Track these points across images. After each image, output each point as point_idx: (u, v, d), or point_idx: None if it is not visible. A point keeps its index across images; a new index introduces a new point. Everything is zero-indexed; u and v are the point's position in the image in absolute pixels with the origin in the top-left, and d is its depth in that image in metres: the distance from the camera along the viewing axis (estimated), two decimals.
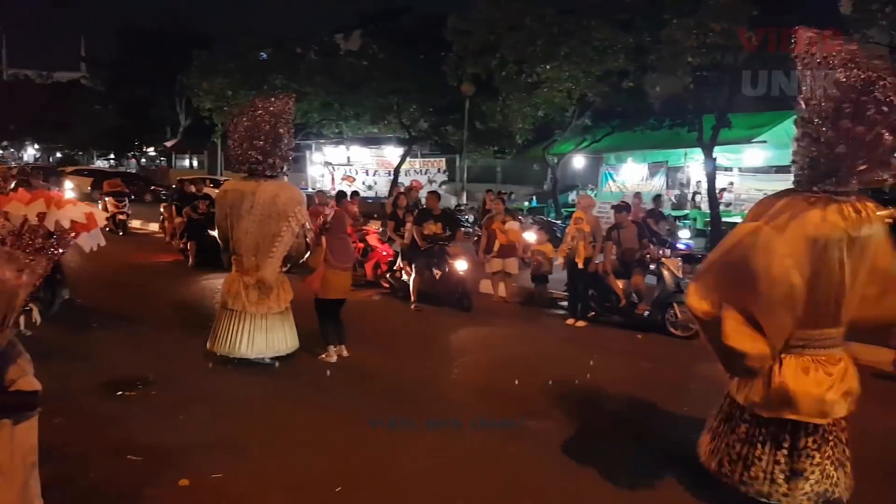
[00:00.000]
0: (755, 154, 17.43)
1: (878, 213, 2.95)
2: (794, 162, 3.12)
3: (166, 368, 6.19)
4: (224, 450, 4.52)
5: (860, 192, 3.06)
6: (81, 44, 79.22)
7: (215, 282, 10.00)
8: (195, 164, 41.79)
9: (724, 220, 15.32)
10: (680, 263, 8.09)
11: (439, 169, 24.30)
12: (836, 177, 2.93)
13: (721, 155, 16.56)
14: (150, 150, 41.86)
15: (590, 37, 13.12)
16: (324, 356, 6.38)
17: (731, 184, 18.53)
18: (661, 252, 8.15)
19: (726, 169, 18.88)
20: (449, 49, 15.59)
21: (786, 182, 15.18)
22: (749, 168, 19.09)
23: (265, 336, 6.19)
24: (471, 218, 16.12)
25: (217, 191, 7.40)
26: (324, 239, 6.34)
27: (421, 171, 24.29)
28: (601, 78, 13.76)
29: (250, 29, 25.25)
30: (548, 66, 13.59)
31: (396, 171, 22.76)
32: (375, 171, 25.86)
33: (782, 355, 3.21)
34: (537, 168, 24.77)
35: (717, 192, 15.30)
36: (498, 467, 4.36)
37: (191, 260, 11.72)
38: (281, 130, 6.22)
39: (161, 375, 5.98)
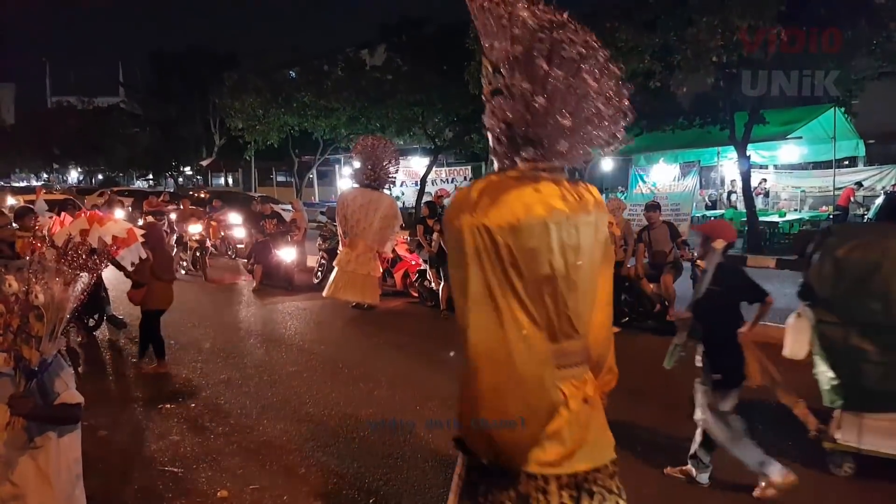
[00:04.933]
0: (791, 150, 17.05)
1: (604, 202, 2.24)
2: (487, 131, 2.23)
3: (206, 383, 6.35)
4: (262, 462, 4.60)
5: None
6: (119, 69, 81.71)
7: (268, 306, 10.18)
8: (230, 181, 42.71)
9: (761, 218, 15.01)
10: None
11: (465, 177, 24.33)
12: (538, 144, 2.12)
13: (755, 152, 16.24)
14: (187, 170, 42.88)
15: (613, 38, 12.97)
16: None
17: (764, 181, 18.15)
18: (695, 253, 8.00)
19: (761, 166, 18.52)
20: (471, 58, 15.63)
21: (825, 178, 14.80)
22: (785, 165, 18.69)
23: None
24: None
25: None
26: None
27: (447, 179, 24.36)
28: (626, 79, 13.60)
29: (276, 48, 25.73)
30: None
31: (423, 180, 22.88)
32: (403, 181, 26.08)
33: None
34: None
35: (752, 190, 14.99)
36: None
37: (255, 283, 11.43)
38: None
39: (200, 389, 6.16)
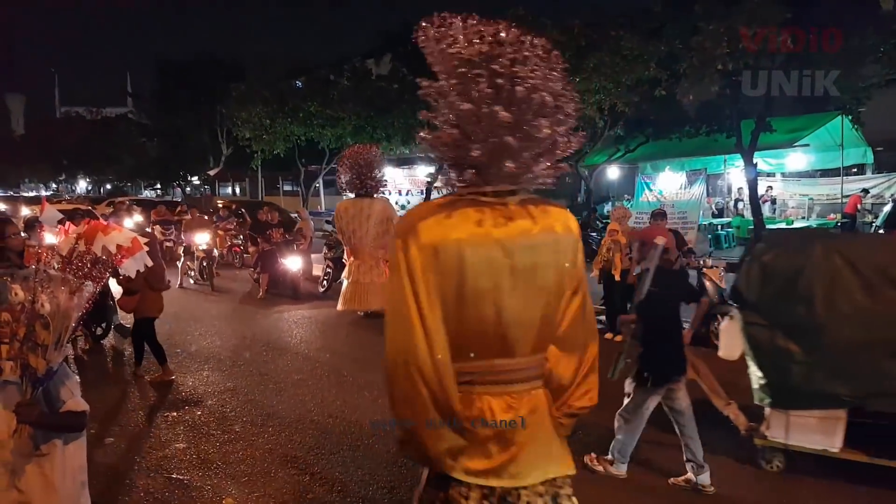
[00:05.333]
0: (798, 158, 17.02)
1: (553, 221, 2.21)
2: (435, 158, 2.37)
3: (212, 391, 6.36)
4: (267, 470, 4.60)
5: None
6: (128, 80, 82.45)
7: (274, 315, 10.21)
8: (237, 190, 42.91)
9: (768, 226, 14.95)
10: (722, 273, 7.89)
11: None
12: (479, 169, 2.14)
13: (762, 160, 16.21)
14: (195, 179, 43.09)
15: (618, 47, 13.02)
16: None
17: (770, 188, 18.09)
18: (701, 261, 7.97)
19: (769, 174, 18.47)
20: None
21: (833, 186, 14.75)
22: (793, 172, 18.63)
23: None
24: None
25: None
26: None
27: None
28: (632, 87, 13.64)
29: (283, 58, 25.80)
30: (576, 79, 13.52)
31: (428, 188, 22.95)
32: (408, 190, 26.18)
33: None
34: (570, 181, 24.58)
35: (759, 198, 14.95)
36: None
37: (261, 292, 11.50)
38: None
39: (206, 397, 6.17)
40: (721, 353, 4.70)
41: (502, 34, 2.12)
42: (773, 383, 4.33)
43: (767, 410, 4.45)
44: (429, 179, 23.09)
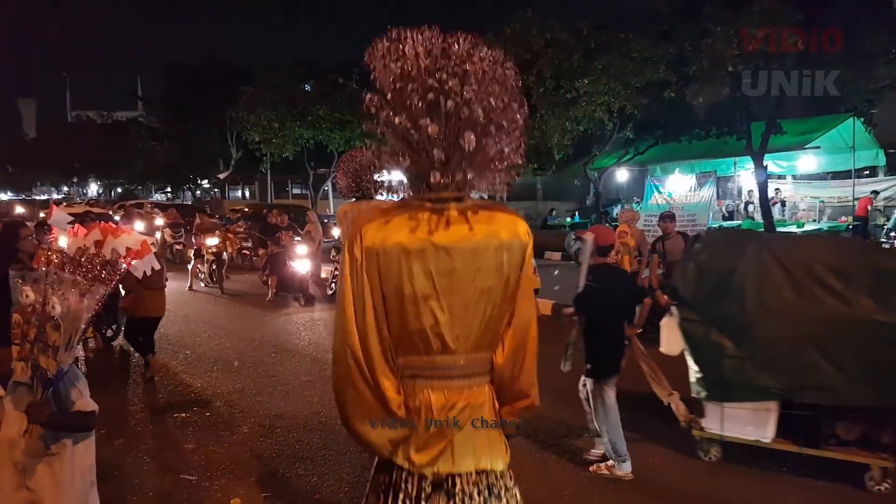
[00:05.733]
0: (809, 160, 16.90)
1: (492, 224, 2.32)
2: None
3: (220, 392, 6.39)
4: (274, 470, 4.61)
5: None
6: (138, 84, 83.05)
7: (283, 317, 10.25)
8: (247, 194, 43.13)
9: (778, 229, 14.84)
10: None
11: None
12: (421, 177, 2.31)
13: (772, 162, 16.10)
14: (205, 182, 43.36)
15: (627, 49, 12.99)
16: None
17: (778, 190, 17.94)
18: None
19: (779, 177, 18.34)
20: None
21: (844, 188, 14.64)
22: (804, 175, 18.50)
23: None
24: None
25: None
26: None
27: None
28: (641, 90, 13.60)
29: (291, 61, 25.90)
30: (585, 81, 13.51)
31: None
32: None
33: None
34: (578, 183, 24.55)
35: (769, 200, 14.86)
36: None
37: (270, 294, 11.60)
38: None
39: (215, 398, 6.20)
40: (662, 349, 4.82)
41: (453, 48, 2.21)
42: (708, 377, 4.50)
43: (703, 403, 4.61)
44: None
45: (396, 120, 2.24)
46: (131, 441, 5.17)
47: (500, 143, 2.26)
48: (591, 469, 4.52)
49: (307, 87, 24.41)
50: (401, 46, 2.23)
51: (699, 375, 4.56)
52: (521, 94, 2.29)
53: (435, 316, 2.31)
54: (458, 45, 2.22)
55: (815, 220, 17.11)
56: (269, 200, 32.91)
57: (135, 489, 4.33)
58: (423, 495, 2.35)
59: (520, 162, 2.34)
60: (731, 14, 11.10)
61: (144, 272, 3.82)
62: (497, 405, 2.47)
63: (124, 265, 3.28)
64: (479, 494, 2.40)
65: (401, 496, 2.35)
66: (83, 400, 2.74)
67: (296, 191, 37.47)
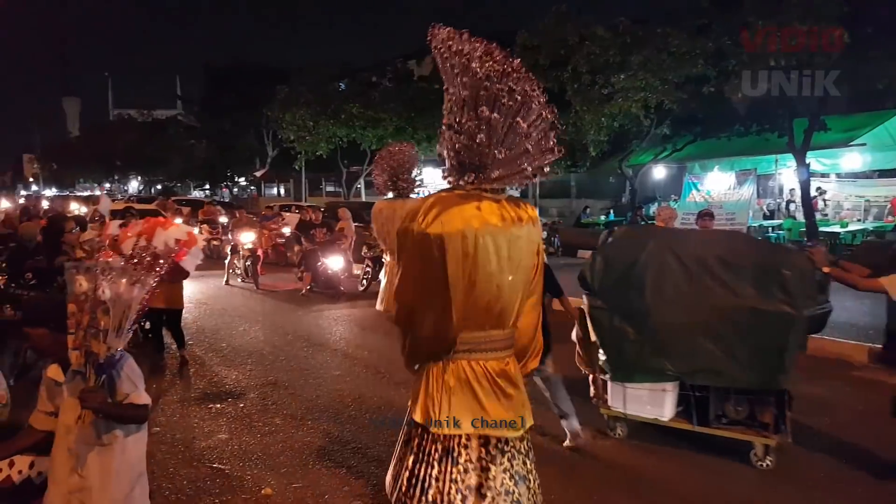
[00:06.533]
0: (854, 158, 16.32)
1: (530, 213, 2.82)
2: (439, 156, 2.87)
3: (254, 384, 6.47)
4: (305, 461, 4.64)
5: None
6: (177, 84, 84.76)
7: (315, 312, 10.35)
8: (282, 191, 43.68)
9: (821, 229, 14.42)
10: None
11: (511, 185, 24.24)
12: (480, 170, 2.70)
13: (815, 160, 15.64)
14: (241, 180, 44.03)
15: (665, 44, 12.75)
16: None
17: (819, 189, 17.37)
18: None
19: (822, 175, 17.80)
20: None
21: (891, 187, 14.16)
22: (848, 173, 17.92)
23: None
24: (544, 234, 15.93)
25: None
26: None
27: None
28: (679, 85, 13.34)
29: (326, 61, 26.19)
30: (622, 76, 13.31)
31: None
32: None
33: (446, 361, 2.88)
34: (613, 181, 24.18)
35: (812, 199, 14.45)
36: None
37: (304, 290, 11.75)
38: None
39: (249, 390, 6.28)
40: (573, 337, 5.24)
41: (508, 66, 2.64)
42: (612, 360, 4.87)
43: (609, 384, 4.99)
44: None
45: (470, 123, 2.63)
46: (167, 431, 5.26)
47: (535, 151, 2.69)
48: (564, 444, 4.86)
49: (341, 86, 24.59)
50: (464, 60, 2.64)
51: (605, 358, 4.92)
52: (545, 106, 2.70)
53: (499, 292, 2.69)
54: (512, 65, 2.64)
55: (859, 220, 16.56)
56: (304, 198, 33.27)
57: (169, 477, 4.40)
58: (488, 451, 2.84)
59: (545, 168, 2.74)
60: (773, 7, 10.80)
61: (195, 264, 3.93)
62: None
63: (174, 258, 3.34)
64: (525, 449, 2.95)
65: (464, 455, 2.83)
66: (137, 393, 2.80)
67: (329, 188, 37.80)
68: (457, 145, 2.69)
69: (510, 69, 2.63)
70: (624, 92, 13.56)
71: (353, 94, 22.96)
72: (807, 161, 13.62)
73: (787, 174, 17.87)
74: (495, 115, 2.59)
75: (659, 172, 20.77)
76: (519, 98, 2.61)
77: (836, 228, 15.00)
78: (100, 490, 2.72)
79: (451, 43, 2.71)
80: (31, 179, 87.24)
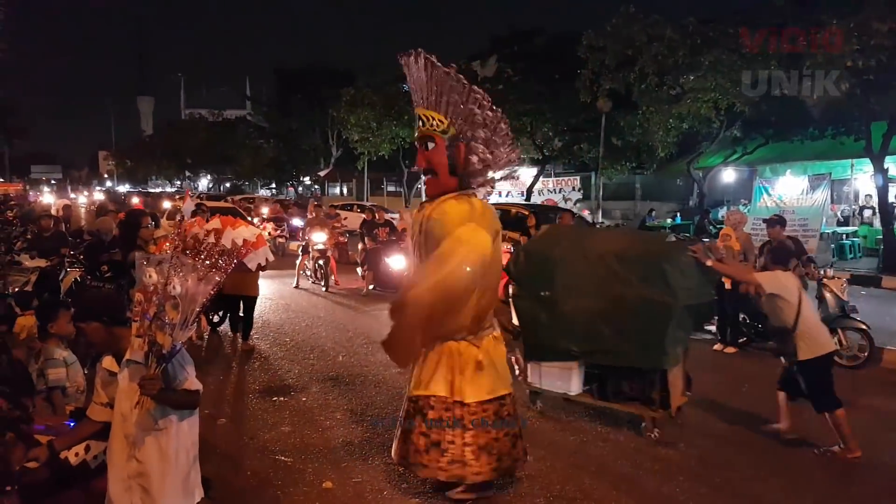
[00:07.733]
0: None
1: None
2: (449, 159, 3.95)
3: (317, 379, 6.65)
4: (364, 457, 4.75)
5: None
6: (247, 85, 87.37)
7: (377, 311, 10.50)
8: (345, 191, 44.48)
9: None
10: (844, 284, 7.33)
11: (574, 187, 23.89)
12: (480, 174, 3.92)
13: (894, 165, 14.88)
14: (306, 179, 45.07)
15: (736, 44, 12.37)
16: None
17: None
18: (822, 272, 7.43)
19: None
20: (583, 67, 15.40)
21: None
22: None
23: None
24: None
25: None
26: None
27: (555, 189, 24.02)
28: (751, 86, 12.91)
29: (389, 62, 26.37)
30: (691, 77, 12.99)
31: (529, 190, 22.74)
32: (509, 192, 26.17)
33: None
34: (680, 183, 23.59)
35: (889, 206, 13.73)
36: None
37: (365, 288, 11.87)
38: None
39: (311, 385, 6.45)
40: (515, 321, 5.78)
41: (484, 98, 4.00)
42: (530, 341, 5.54)
43: (528, 362, 5.63)
44: (531, 181, 22.92)
45: (478, 134, 3.88)
46: (232, 422, 5.47)
47: (505, 158, 4.07)
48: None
49: (404, 87, 24.85)
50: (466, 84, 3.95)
51: (524, 339, 5.58)
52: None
53: (497, 280, 3.88)
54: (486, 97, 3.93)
55: None
56: (366, 198, 33.80)
57: (234, 468, 4.56)
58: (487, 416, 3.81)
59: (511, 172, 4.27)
60: (852, 6, 10.33)
61: (259, 263, 4.19)
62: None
63: (238, 256, 3.49)
64: (515, 411, 4.12)
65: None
66: (190, 380, 2.94)
67: (390, 188, 38.26)
68: (465, 153, 3.84)
69: (499, 118, 3.99)
70: (693, 93, 13.24)
71: None
72: (885, 166, 12.96)
73: (863, 179, 17.05)
74: (486, 128, 3.95)
75: (728, 175, 20.15)
76: (489, 113, 3.88)
77: None
78: (159, 474, 2.84)
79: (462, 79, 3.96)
80: (105, 176, 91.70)
